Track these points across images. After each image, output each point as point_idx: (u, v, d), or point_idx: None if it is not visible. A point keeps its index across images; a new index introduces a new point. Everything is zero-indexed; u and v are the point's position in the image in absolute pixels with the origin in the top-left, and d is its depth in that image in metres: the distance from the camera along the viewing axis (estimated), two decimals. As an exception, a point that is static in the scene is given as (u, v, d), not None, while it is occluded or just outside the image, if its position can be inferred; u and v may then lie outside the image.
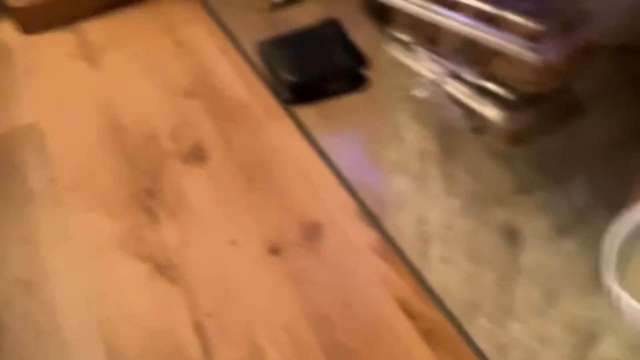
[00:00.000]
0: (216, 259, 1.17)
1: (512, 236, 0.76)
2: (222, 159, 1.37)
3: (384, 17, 0.76)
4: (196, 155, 1.38)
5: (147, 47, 1.70)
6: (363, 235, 1.18)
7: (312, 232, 1.20)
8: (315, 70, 1.40)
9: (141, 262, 1.18)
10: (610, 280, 0.50)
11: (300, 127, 1.38)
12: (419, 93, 0.63)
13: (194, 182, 1.32)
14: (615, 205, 0.61)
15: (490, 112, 0.54)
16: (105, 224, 1.25)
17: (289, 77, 1.40)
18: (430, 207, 0.93)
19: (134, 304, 1.11)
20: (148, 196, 1.30)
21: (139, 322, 1.08)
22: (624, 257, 0.52)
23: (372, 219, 1.19)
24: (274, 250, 1.18)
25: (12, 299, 1.13)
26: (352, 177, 1.24)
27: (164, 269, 1.16)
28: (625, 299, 0.49)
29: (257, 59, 1.53)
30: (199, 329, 1.06)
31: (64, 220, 1.26)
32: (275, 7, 1.66)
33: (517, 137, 0.59)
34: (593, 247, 0.67)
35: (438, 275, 1.02)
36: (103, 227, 1.24)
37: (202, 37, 1.69)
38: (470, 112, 0.60)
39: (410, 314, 1.05)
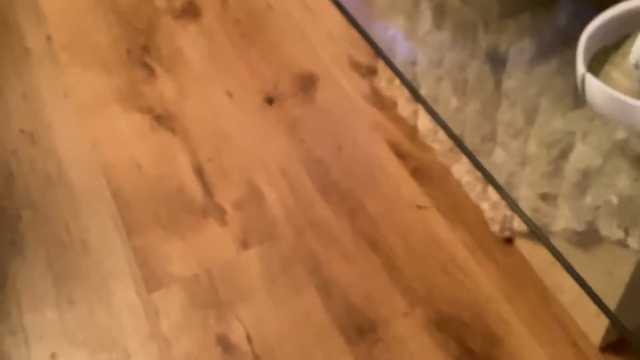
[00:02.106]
0: (213, 109, 1.21)
1: (496, 61, 0.79)
2: (216, 16, 1.37)
3: None
4: (189, 11, 1.39)
5: None
6: (356, 85, 1.22)
7: (307, 83, 1.23)
8: None
9: (140, 114, 1.21)
10: (580, 66, 0.54)
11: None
12: None
13: (189, 38, 1.34)
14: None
15: None
16: (103, 79, 1.28)
17: None
18: (420, 46, 0.95)
19: (136, 152, 1.16)
20: (143, 52, 1.32)
21: (142, 168, 1.13)
22: (594, 45, 0.55)
23: (367, 70, 1.22)
24: (269, 100, 1.21)
25: (19, 149, 1.18)
26: (345, 29, 1.25)
27: (163, 119, 1.20)
28: (590, 80, 0.53)
29: None
30: (199, 172, 1.12)
31: (62, 77, 1.29)
32: None
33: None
34: (574, 67, 0.70)
35: (427, 116, 1.06)
36: (101, 82, 1.27)
37: None
38: None
39: (400, 154, 1.11)
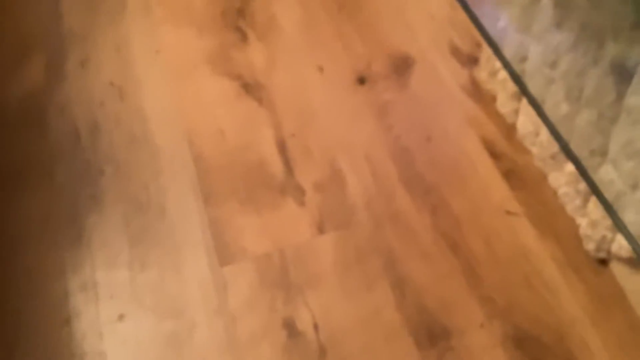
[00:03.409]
0: (302, 83, 1.18)
1: (622, 74, 0.72)
2: (315, -16, 1.33)
3: None
4: (288, -23, 1.34)
5: None
6: (455, 74, 1.15)
7: (402, 65, 1.18)
8: None
9: (229, 80, 1.19)
10: None
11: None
12: None
13: (285, 4, 1.30)
14: None
15: None
16: (195, 40, 1.26)
17: None
18: (534, 43, 0.88)
19: (221, 118, 1.14)
20: (238, 16, 1.29)
21: (225, 135, 1.12)
22: None
23: (468, 59, 1.15)
24: (361, 80, 1.17)
25: (106, 102, 1.18)
26: (449, 10, 1.19)
27: (251, 88, 1.18)
28: None
29: None
30: (282, 147, 1.09)
31: (155, 33, 1.27)
32: None
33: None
34: None
35: (529, 116, 1.00)
36: (193, 42, 1.25)
37: None
38: None
39: (494, 154, 1.05)
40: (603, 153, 0.81)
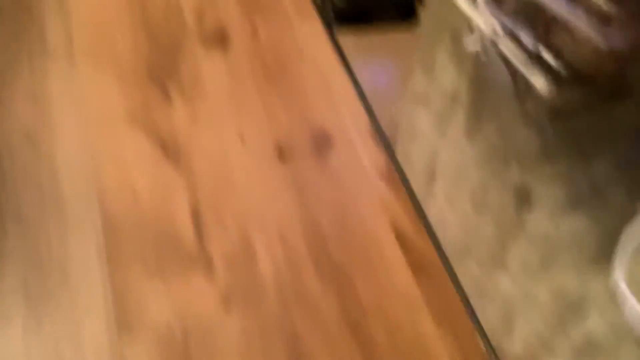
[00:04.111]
0: (222, 151, 1.18)
1: (523, 197, 0.76)
2: (245, 50, 1.34)
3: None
4: (219, 39, 1.35)
5: None
6: (372, 157, 1.19)
7: (323, 142, 1.20)
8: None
9: (148, 139, 1.18)
10: (620, 278, 0.51)
11: (331, 34, 1.34)
12: (470, 45, 0.61)
13: (213, 68, 1.30)
14: (636, 190, 0.61)
15: (538, 81, 0.53)
16: (118, 93, 1.24)
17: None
18: (446, 148, 0.93)
19: (136, 178, 1.12)
20: (164, 73, 1.28)
21: (138, 197, 1.10)
22: (638, 257, 0.52)
23: (384, 141, 1.19)
24: (281, 155, 1.18)
25: (15, 148, 1.14)
26: (373, 97, 1.23)
27: (170, 150, 1.17)
28: (631, 301, 0.51)
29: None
30: (195, 215, 1.08)
31: (77, 82, 1.25)
32: None
33: (558, 112, 0.58)
34: (603, 225, 0.68)
35: (438, 212, 1.04)
36: (115, 96, 1.23)
37: None
38: (516, 76, 0.59)
39: (403, 242, 1.08)
40: (501, 262, 0.86)
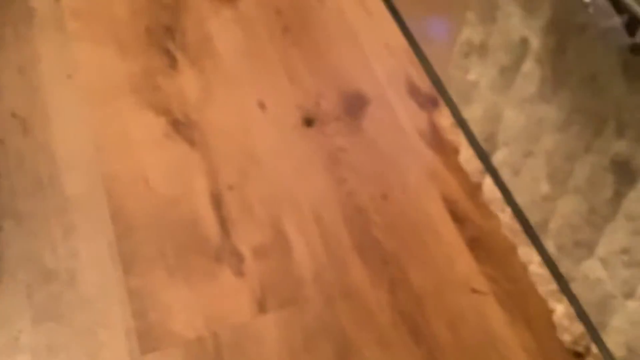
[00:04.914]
0: (242, 122, 1.02)
1: (623, 172, 0.61)
2: (256, 1, 1.17)
3: None
4: (226, -10, 1.18)
5: None
6: (413, 117, 1.03)
7: (355, 104, 1.04)
8: None
9: (155, 115, 1.03)
10: None
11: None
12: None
13: (221, 24, 1.13)
14: None
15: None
16: (116, 62, 1.08)
17: None
18: (512, 109, 0.77)
19: (146, 163, 0.98)
20: (166, 34, 1.12)
21: (150, 185, 0.96)
22: None
23: (428, 100, 1.03)
24: (309, 121, 1.03)
25: (7, 137, 0.99)
26: (415, 49, 1.06)
27: (182, 126, 1.02)
28: None
29: None
30: (217, 202, 0.94)
31: (68, 52, 1.09)
32: None
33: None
34: None
35: (501, 185, 0.89)
36: (113, 65, 1.08)
37: None
38: (634, 24, 0.43)
39: (457, 217, 0.93)
40: (590, 247, 0.71)
